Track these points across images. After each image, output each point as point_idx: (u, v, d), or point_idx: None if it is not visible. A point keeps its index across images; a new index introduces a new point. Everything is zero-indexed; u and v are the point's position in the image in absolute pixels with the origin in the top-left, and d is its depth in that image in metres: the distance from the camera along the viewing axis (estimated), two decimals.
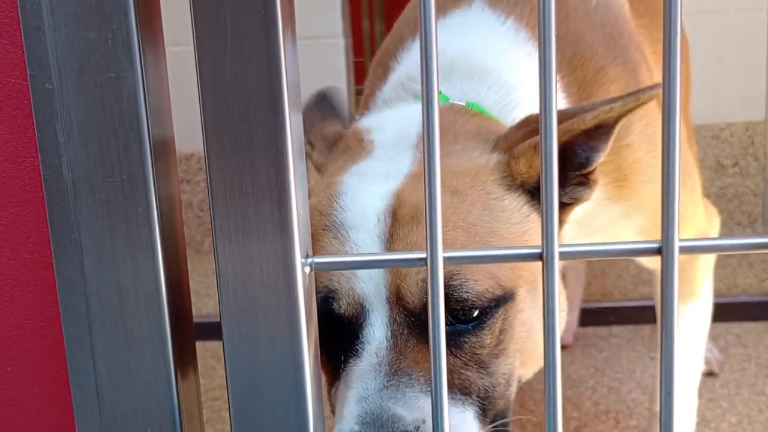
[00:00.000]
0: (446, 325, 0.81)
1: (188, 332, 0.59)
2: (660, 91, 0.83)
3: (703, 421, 1.50)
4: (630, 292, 2.02)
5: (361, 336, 0.81)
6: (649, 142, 1.05)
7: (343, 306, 0.81)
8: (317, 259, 0.55)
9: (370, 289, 0.81)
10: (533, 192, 0.89)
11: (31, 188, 0.58)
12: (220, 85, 0.51)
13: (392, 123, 0.97)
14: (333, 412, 0.87)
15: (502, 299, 0.83)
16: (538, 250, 0.52)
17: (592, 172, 0.89)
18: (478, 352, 0.84)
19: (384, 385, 0.79)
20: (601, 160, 0.88)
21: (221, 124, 0.51)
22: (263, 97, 0.51)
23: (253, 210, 0.52)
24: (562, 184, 0.90)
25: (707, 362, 1.53)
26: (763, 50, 2.25)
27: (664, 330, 0.52)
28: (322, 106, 1.10)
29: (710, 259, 1.28)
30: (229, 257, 0.53)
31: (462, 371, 0.83)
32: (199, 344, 0.63)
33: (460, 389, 0.83)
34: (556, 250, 0.52)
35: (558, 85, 1.02)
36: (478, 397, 0.84)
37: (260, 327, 0.54)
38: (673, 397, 0.53)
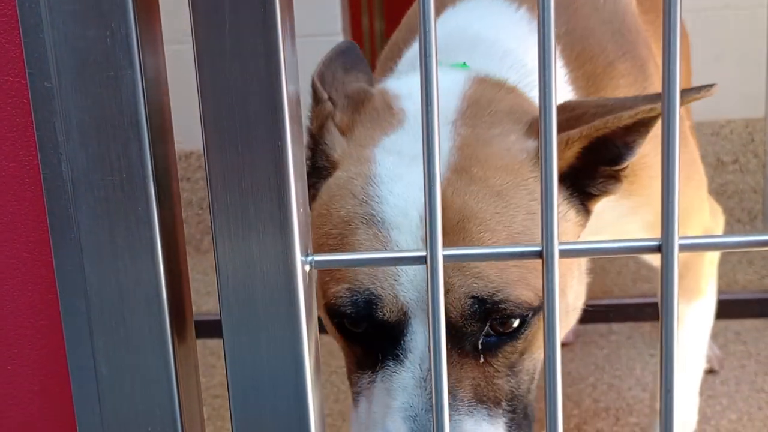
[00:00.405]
0: (486, 336, 0.82)
1: (188, 330, 0.59)
2: (702, 94, 0.82)
3: (703, 418, 1.50)
4: (630, 289, 2.01)
5: (402, 343, 0.81)
6: (656, 137, 1.05)
7: (387, 313, 0.81)
8: (317, 258, 0.55)
9: (412, 296, 0.80)
10: (564, 182, 0.88)
11: (31, 187, 0.58)
12: (219, 83, 0.51)
13: None
14: (351, 386, 0.89)
15: (539, 308, 0.83)
16: (538, 248, 0.52)
17: (624, 168, 0.88)
18: (509, 357, 0.84)
19: (431, 406, 0.78)
20: (635, 158, 0.87)
21: (221, 122, 0.51)
22: (263, 95, 0.51)
23: (252, 208, 0.52)
24: (593, 176, 0.89)
25: (707, 359, 1.54)
26: (763, 47, 2.24)
27: (664, 328, 0.52)
28: (343, 58, 1.03)
29: (714, 256, 1.28)
30: (229, 255, 0.53)
31: (494, 380, 0.84)
32: (199, 342, 0.63)
33: (492, 400, 0.83)
34: (556, 248, 0.52)
35: (566, 78, 1.01)
36: (506, 401, 0.84)
37: (260, 325, 0.54)
38: (673, 395, 0.53)
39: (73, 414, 0.57)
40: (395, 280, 0.80)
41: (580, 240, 0.94)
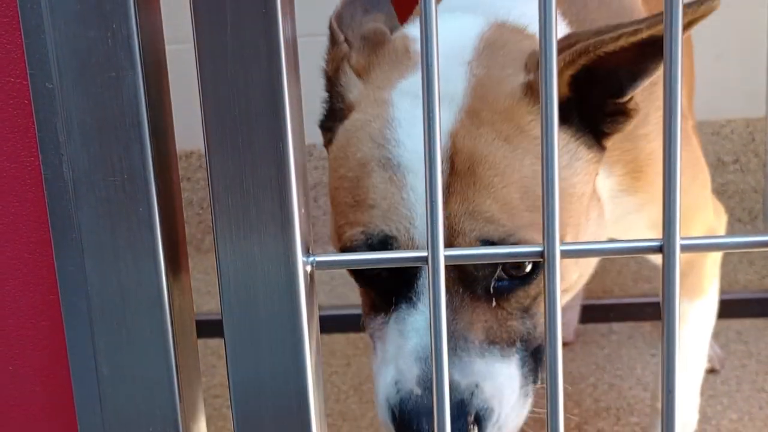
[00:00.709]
0: (499, 281, 0.82)
1: (189, 330, 0.59)
2: (708, 6, 0.78)
3: (703, 418, 1.50)
4: (630, 289, 2.01)
5: (416, 286, 0.81)
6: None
7: None
8: (319, 258, 0.55)
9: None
10: (570, 120, 0.85)
11: (32, 188, 0.58)
12: (220, 83, 0.51)
13: (442, 33, 0.90)
14: (366, 329, 0.89)
15: None
16: (540, 248, 0.52)
17: (629, 100, 0.85)
18: (523, 301, 0.84)
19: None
20: (639, 89, 0.83)
21: (222, 122, 0.51)
22: (264, 94, 0.51)
23: (254, 208, 0.52)
24: (599, 109, 0.86)
25: (708, 359, 1.54)
26: (764, 46, 2.24)
27: (666, 328, 0.52)
28: None
29: (717, 256, 1.27)
30: (230, 256, 0.53)
31: (508, 322, 0.83)
32: (200, 342, 0.63)
33: (505, 340, 0.83)
34: (557, 248, 0.52)
35: None
36: (521, 341, 0.84)
37: (262, 325, 0.54)
38: (674, 395, 0.53)
39: (74, 414, 0.58)
40: (410, 223, 0.80)
41: (595, 219, 0.92)
